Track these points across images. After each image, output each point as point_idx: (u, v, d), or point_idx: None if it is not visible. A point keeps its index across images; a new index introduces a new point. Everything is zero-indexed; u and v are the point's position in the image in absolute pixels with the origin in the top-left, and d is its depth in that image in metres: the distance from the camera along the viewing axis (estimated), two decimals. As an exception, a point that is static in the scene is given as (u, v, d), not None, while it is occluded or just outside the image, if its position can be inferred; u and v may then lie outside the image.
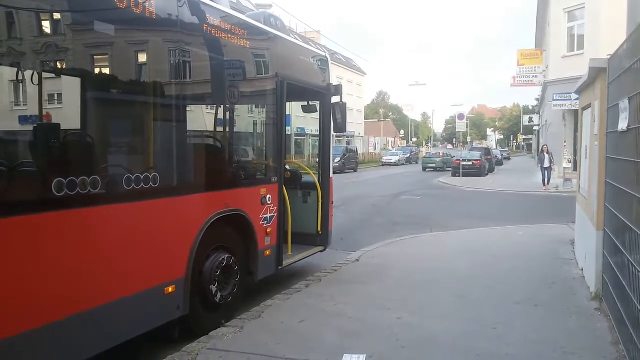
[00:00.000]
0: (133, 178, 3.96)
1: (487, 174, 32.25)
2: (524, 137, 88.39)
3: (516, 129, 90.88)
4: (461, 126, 32.64)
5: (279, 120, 6.15)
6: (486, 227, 11.40)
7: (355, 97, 60.24)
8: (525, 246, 8.94)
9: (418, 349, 4.34)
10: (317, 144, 7.69)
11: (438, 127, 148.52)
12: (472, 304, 5.64)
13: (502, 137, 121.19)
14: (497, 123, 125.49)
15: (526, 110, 75.31)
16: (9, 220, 3.09)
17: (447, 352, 4.31)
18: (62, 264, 3.43)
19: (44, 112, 3.63)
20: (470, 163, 30.63)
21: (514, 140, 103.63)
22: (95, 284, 3.68)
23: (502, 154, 57.34)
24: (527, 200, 18.17)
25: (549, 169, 21.10)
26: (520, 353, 4.28)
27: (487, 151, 37.78)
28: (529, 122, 56.72)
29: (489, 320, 5.05)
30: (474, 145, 53.94)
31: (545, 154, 21.26)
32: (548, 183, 20.92)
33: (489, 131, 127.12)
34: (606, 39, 18.02)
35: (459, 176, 28.83)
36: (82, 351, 3.61)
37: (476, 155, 32.40)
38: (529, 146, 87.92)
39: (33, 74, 3.44)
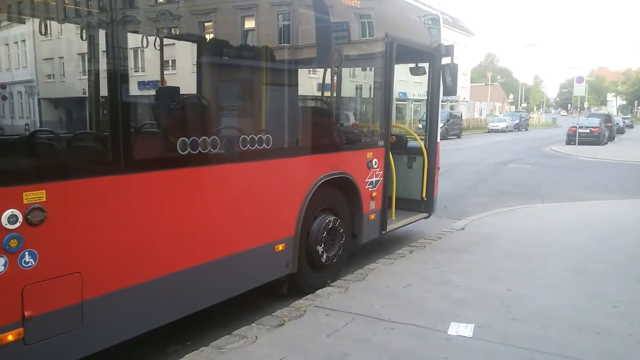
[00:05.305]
0: (248, 139, 4.12)
1: (606, 143, 29.85)
2: (651, 102, 79.92)
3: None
4: (579, 90, 30.09)
5: (387, 82, 6.02)
6: (605, 200, 10.56)
7: (462, 60, 57.56)
8: (652, 221, 8.17)
9: (530, 322, 4.15)
10: (420, 109, 7.48)
11: (551, 91, 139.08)
12: (589, 279, 5.29)
13: (624, 102, 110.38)
14: (619, 87, 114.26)
15: (655, 73, 67.66)
16: (145, 175, 3.36)
17: (563, 327, 4.07)
18: (189, 218, 3.67)
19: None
20: (588, 130, 28.39)
21: (638, 106, 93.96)
22: (214, 237, 3.91)
23: (624, 121, 52.56)
24: (654, 172, 16.54)
25: None
26: (646, 335, 3.95)
27: (607, 117, 34.86)
28: (658, 86, 51.05)
29: (610, 298, 4.71)
30: (592, 111, 49.77)
31: None
32: None
33: (610, 96, 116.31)
34: None
35: (574, 144, 26.85)
36: (202, 300, 3.88)
37: (594, 122, 29.91)
38: (657, 113, 79.43)
39: (155, 40, 3.65)
